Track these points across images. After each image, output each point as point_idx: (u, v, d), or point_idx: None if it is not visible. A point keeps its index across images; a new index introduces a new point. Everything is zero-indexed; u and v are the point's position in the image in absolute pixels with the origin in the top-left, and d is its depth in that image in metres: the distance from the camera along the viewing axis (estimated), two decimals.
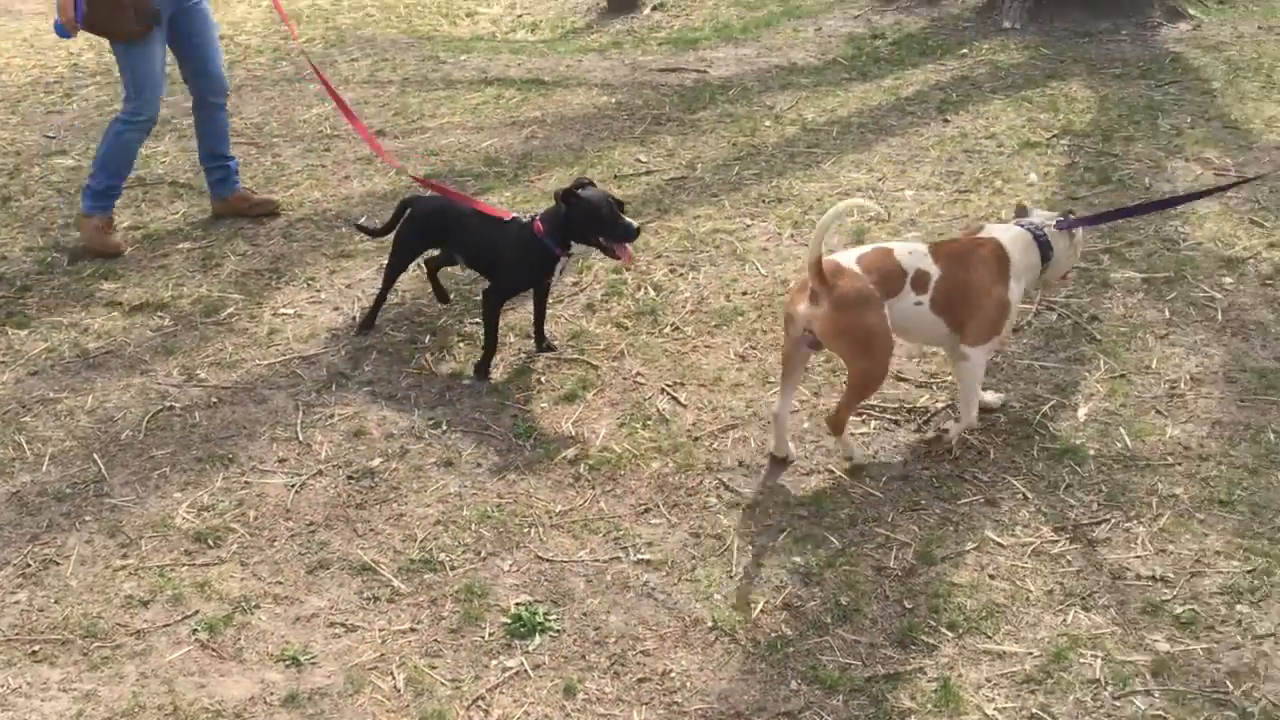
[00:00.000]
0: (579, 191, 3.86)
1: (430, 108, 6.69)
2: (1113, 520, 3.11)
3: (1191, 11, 8.01)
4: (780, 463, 3.49)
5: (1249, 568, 2.87)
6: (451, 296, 4.50)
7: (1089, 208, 4.95)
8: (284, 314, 4.52)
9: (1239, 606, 2.76)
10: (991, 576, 2.97)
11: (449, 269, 4.47)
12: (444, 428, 3.77)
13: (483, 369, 4.03)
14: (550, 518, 3.35)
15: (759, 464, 3.50)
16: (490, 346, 4.03)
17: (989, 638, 2.80)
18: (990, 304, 3.35)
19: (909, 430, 3.60)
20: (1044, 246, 3.44)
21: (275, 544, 3.32)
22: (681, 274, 4.63)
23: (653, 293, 4.50)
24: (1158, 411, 3.55)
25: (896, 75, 6.96)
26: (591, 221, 3.83)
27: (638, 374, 3.99)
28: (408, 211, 4.31)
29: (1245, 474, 3.22)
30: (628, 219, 3.83)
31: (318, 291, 4.67)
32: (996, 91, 6.53)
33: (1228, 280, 4.27)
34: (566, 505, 3.39)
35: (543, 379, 4.00)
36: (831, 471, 3.44)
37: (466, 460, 3.61)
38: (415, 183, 4.76)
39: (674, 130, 6.16)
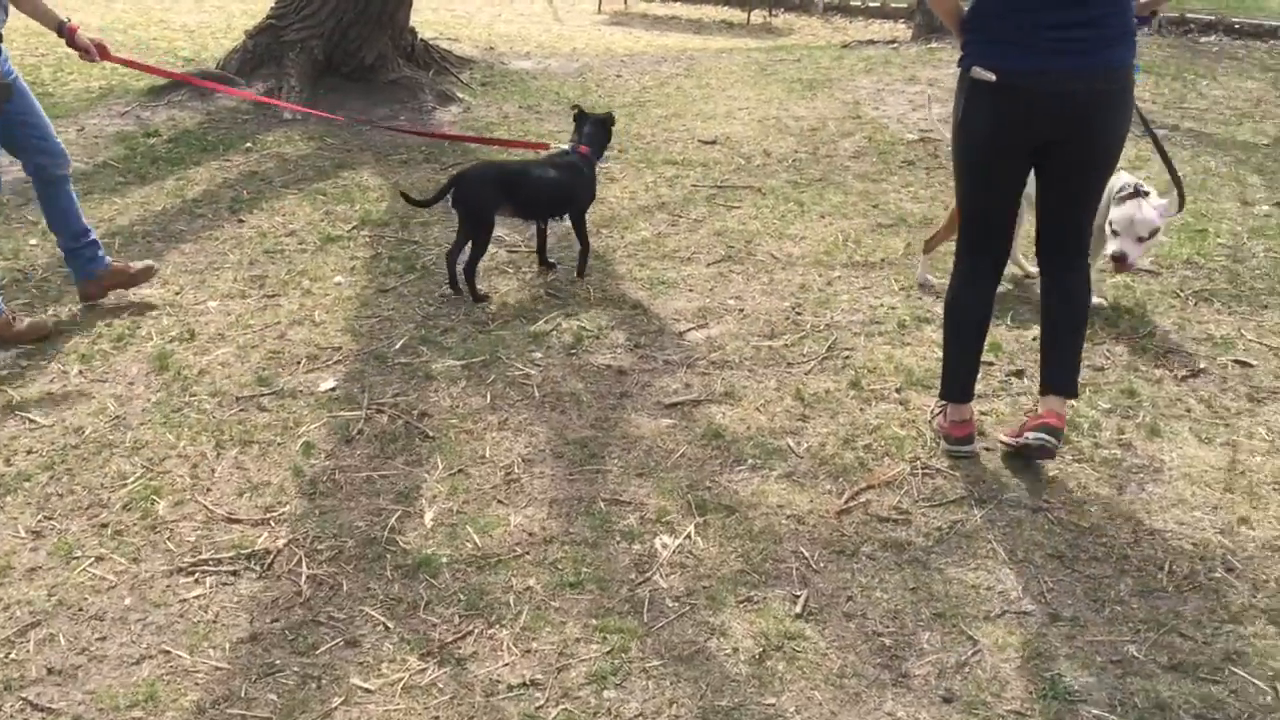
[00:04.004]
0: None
1: None
2: (476, 630, 3.00)
3: (461, 95, 8.54)
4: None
5: (607, 649, 2.91)
6: None
7: (399, 299, 4.93)
8: None
9: (606, 692, 2.79)
10: None
11: None
12: None
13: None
14: None
15: (74, 665, 2.89)
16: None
17: None
18: None
19: (251, 580, 3.21)
20: None
21: None
22: None
23: None
24: (499, 501, 3.55)
25: (179, 175, 6.50)
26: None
27: None
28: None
29: (587, 549, 3.31)
30: None
31: None
32: (289, 186, 6.35)
33: (538, 355, 4.46)
34: None
35: None
36: (168, 652, 2.94)
37: None
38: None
39: None
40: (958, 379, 3.71)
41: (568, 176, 4.99)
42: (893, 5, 14.22)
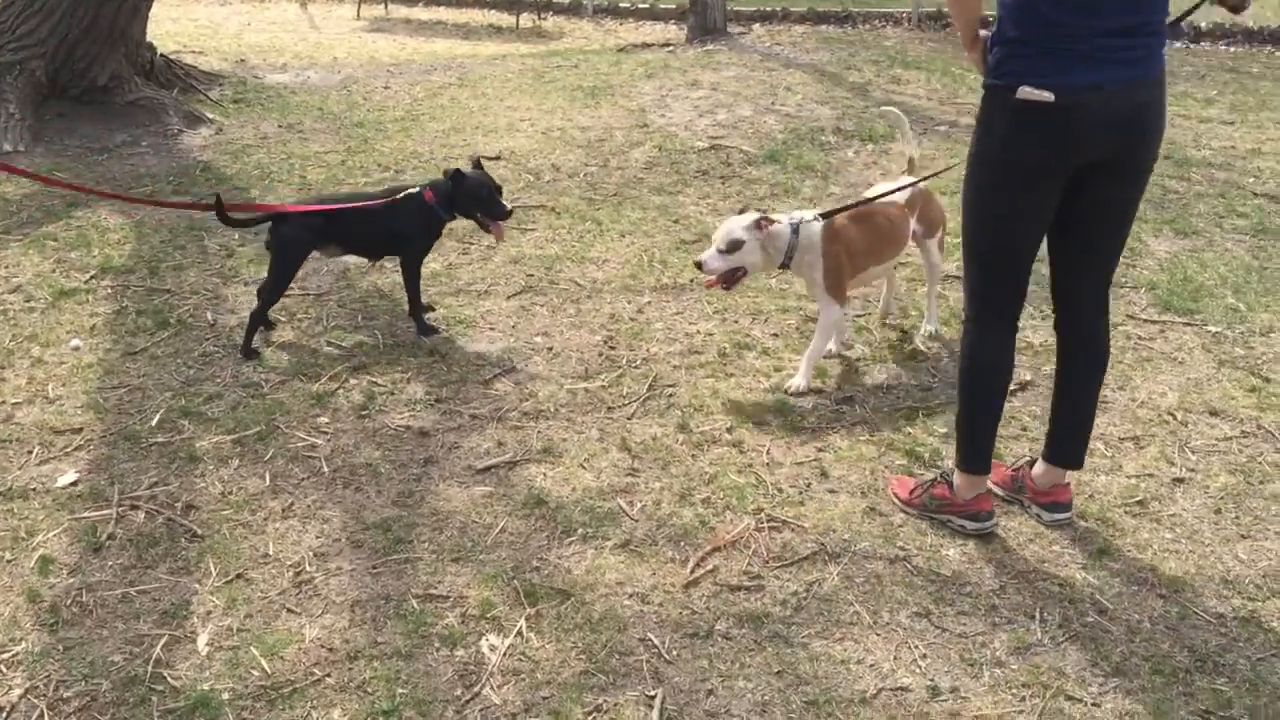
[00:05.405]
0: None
1: None
2: None
3: (211, 116, 7.75)
4: None
5: None
6: None
7: (152, 362, 4.25)
8: None
9: None
10: None
11: None
12: None
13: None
14: None
15: None
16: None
17: None
18: None
19: None
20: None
21: None
22: None
23: None
24: (290, 610, 2.99)
25: None
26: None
27: None
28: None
29: (401, 663, 2.80)
30: None
31: None
32: (11, 231, 5.50)
33: (323, 420, 3.90)
34: None
35: None
36: None
37: None
38: None
39: None
40: (984, 448, 3.25)
41: (393, 215, 4.41)
42: (662, 6, 14.06)
